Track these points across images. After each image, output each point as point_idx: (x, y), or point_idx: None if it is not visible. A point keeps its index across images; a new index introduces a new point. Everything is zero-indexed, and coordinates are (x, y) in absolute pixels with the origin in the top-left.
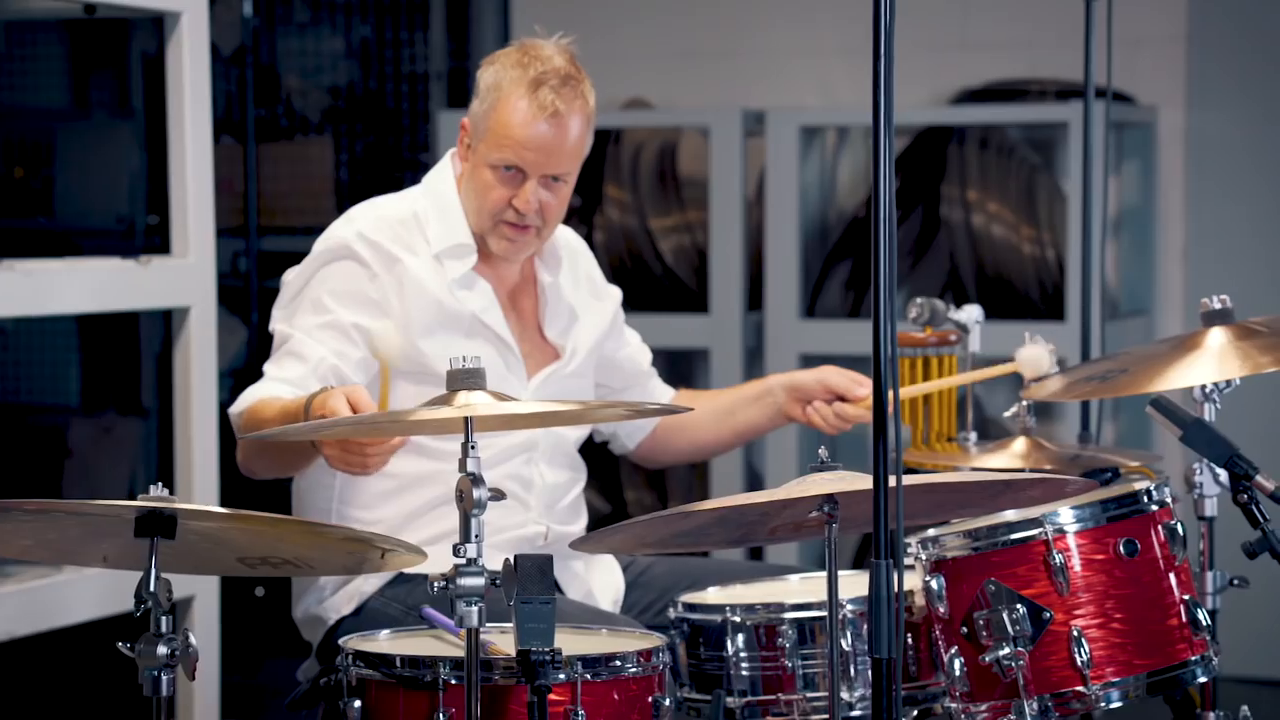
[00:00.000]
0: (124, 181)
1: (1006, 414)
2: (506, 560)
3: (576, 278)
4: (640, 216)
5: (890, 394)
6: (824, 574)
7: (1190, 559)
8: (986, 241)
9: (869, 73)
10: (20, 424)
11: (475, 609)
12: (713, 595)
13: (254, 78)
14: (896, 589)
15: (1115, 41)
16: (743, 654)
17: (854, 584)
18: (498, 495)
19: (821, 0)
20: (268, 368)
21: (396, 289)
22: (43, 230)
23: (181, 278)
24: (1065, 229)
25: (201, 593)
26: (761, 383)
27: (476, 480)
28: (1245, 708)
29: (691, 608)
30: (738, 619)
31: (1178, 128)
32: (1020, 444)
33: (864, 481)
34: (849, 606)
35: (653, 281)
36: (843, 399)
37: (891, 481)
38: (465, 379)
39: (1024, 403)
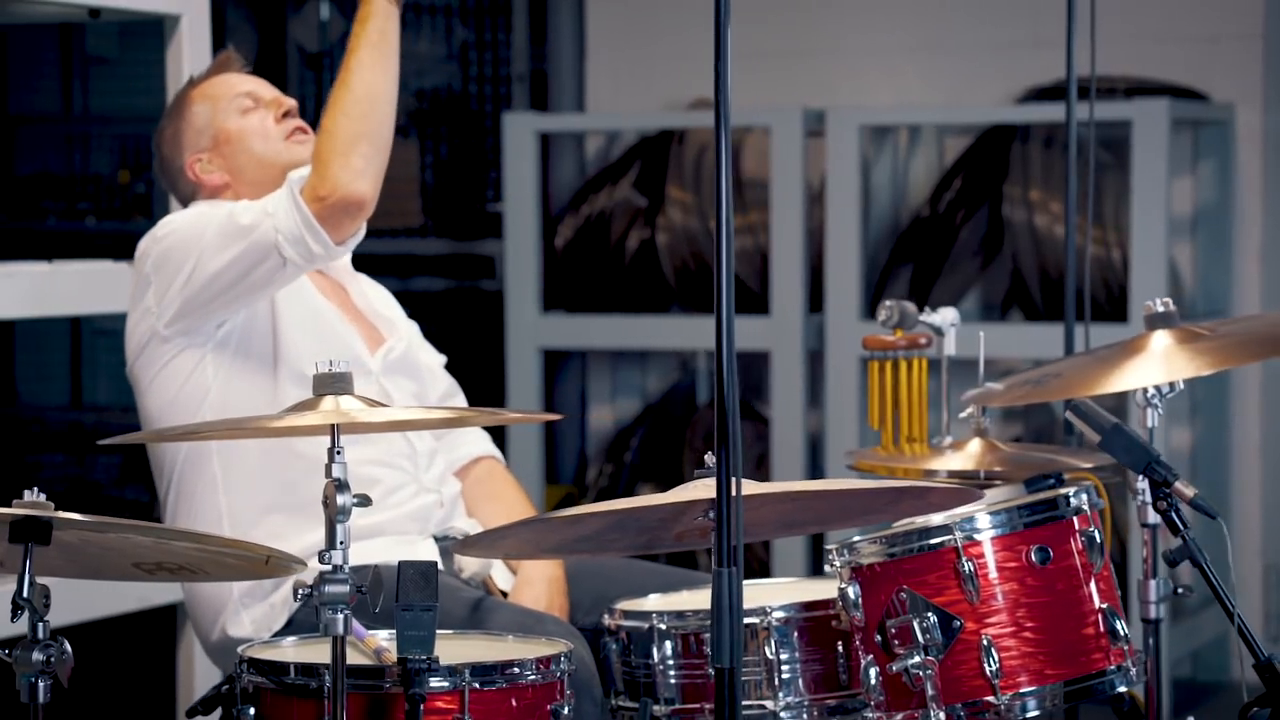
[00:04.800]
0: None
1: (961, 415)
2: (375, 568)
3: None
4: (703, 218)
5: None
6: (769, 581)
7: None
8: (1050, 242)
9: (939, 71)
10: (124, 427)
11: (340, 616)
12: (651, 602)
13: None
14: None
15: (1191, 39)
16: (669, 661)
17: (788, 590)
18: (364, 501)
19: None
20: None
21: None
22: (143, 233)
23: None
24: (1130, 229)
25: None
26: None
27: (341, 486)
28: (1190, 718)
29: (625, 614)
30: (664, 626)
31: (1255, 126)
32: (975, 445)
33: (748, 487)
34: (777, 613)
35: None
36: None
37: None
38: (332, 383)
39: (979, 405)
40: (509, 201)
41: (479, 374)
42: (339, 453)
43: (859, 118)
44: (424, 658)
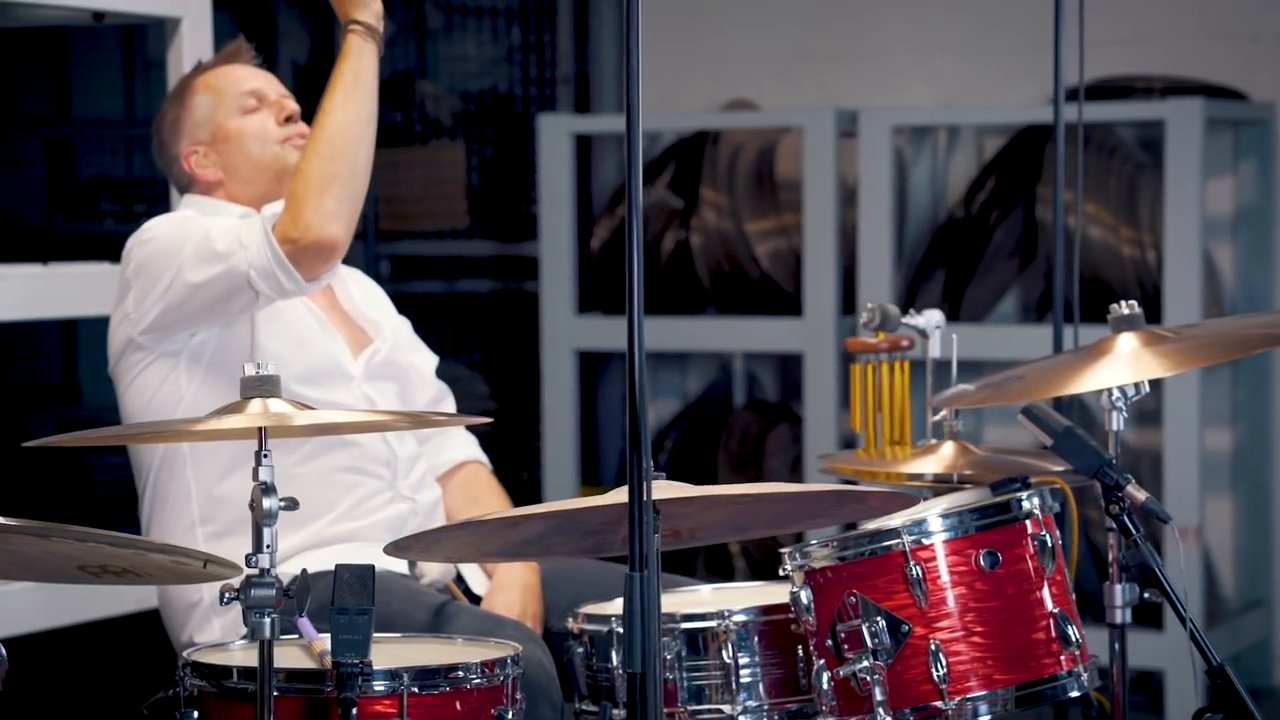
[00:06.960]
0: None
1: (935, 418)
2: (304, 570)
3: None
4: (736, 220)
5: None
6: (731, 585)
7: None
8: (1086, 244)
9: (972, 71)
10: None
11: (267, 620)
12: (615, 606)
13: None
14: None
15: (1230, 37)
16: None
17: (751, 595)
18: (290, 505)
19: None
20: (214, 241)
21: None
22: None
23: None
24: (1164, 230)
25: None
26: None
27: (268, 489)
28: None
29: (588, 618)
30: (622, 630)
31: None
32: (948, 448)
33: (681, 490)
34: (737, 617)
35: (750, 286)
36: None
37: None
38: (259, 386)
39: (950, 407)
40: (544, 203)
41: (522, 375)
42: (266, 455)
43: (891, 118)
44: (357, 661)
